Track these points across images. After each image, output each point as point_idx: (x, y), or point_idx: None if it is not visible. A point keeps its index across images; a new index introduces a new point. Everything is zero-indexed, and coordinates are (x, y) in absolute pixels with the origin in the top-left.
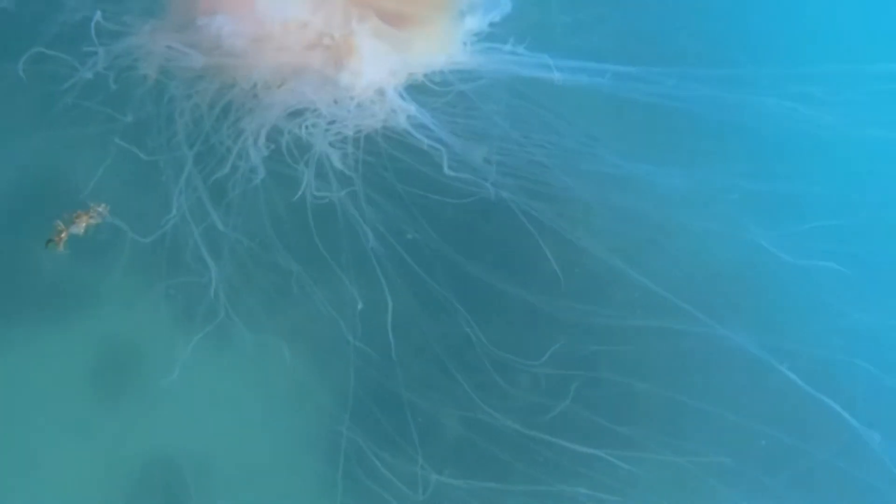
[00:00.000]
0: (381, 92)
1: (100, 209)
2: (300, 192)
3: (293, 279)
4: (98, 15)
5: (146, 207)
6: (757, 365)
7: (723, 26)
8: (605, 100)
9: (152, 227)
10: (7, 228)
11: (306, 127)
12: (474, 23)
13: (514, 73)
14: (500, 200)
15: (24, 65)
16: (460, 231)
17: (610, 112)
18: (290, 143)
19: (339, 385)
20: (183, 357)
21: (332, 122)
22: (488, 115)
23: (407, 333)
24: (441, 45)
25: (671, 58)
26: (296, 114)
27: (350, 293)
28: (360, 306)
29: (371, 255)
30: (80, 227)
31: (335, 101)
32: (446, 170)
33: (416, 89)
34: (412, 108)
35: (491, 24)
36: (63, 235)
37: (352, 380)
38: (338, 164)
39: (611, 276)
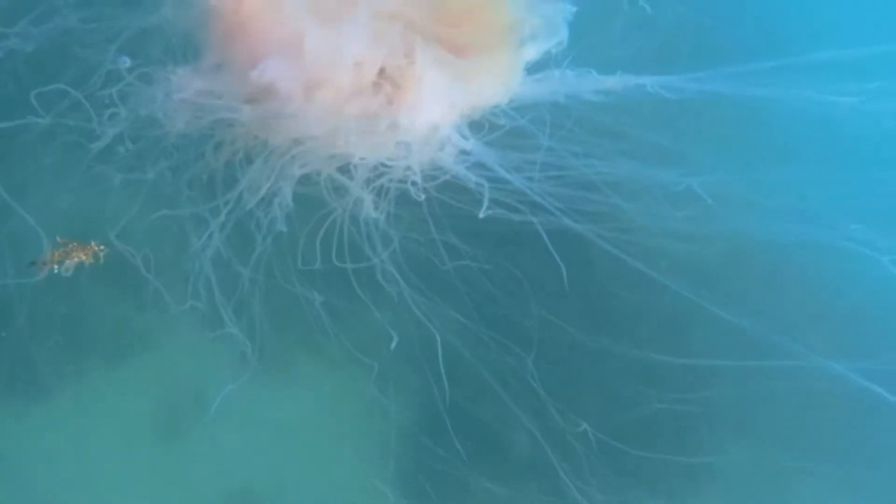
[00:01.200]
0: (437, 127)
1: (98, 249)
2: (369, 214)
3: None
4: (127, 62)
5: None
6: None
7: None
8: (673, 111)
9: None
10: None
11: (357, 165)
12: (532, 52)
13: (571, 96)
14: (563, 231)
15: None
16: (521, 265)
17: (681, 123)
18: (337, 182)
19: (405, 406)
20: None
21: (387, 162)
22: (549, 146)
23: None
24: (500, 76)
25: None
26: (344, 156)
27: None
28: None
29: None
30: (71, 257)
31: (390, 141)
32: (482, 214)
33: (473, 123)
34: (470, 144)
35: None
36: (49, 264)
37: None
38: (391, 204)
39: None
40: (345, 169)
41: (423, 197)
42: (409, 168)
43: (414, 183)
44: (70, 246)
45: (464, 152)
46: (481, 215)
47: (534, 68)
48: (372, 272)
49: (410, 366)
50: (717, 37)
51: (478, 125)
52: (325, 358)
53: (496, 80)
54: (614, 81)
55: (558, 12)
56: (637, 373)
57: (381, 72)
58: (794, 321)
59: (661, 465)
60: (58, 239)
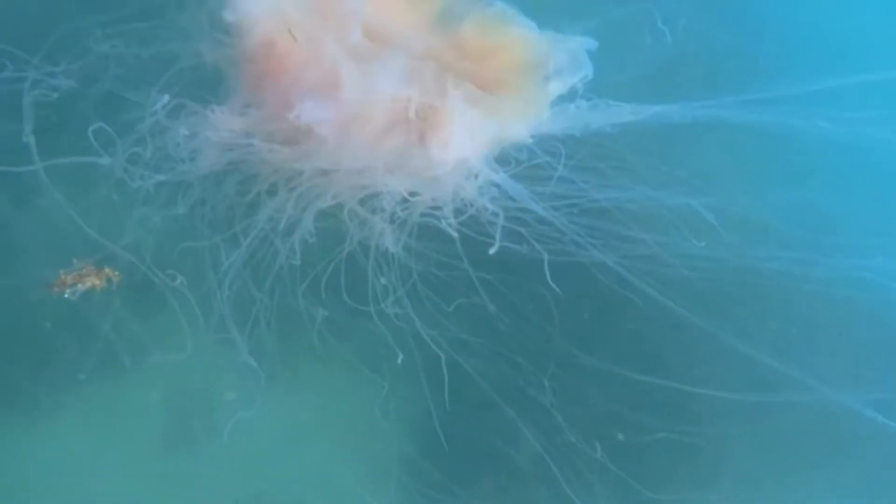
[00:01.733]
0: (466, 161)
1: (112, 275)
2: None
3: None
4: (164, 99)
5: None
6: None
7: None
8: (689, 138)
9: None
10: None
11: (384, 198)
12: (558, 87)
13: (595, 128)
14: (581, 261)
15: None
16: (538, 296)
17: (698, 150)
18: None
19: (413, 415)
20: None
21: (413, 196)
22: (566, 177)
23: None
24: (527, 112)
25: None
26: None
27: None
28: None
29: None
30: (84, 282)
31: (419, 175)
32: (492, 250)
33: (500, 158)
34: (497, 177)
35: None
36: (64, 286)
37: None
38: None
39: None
40: (369, 201)
41: (445, 224)
42: (435, 201)
43: (439, 216)
44: (84, 269)
45: (490, 185)
46: (492, 252)
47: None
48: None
49: (415, 380)
50: (737, 62)
51: (501, 158)
52: (335, 369)
53: (524, 117)
54: (629, 111)
55: (581, 47)
56: (644, 400)
57: (413, 108)
58: (810, 353)
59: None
60: (74, 261)
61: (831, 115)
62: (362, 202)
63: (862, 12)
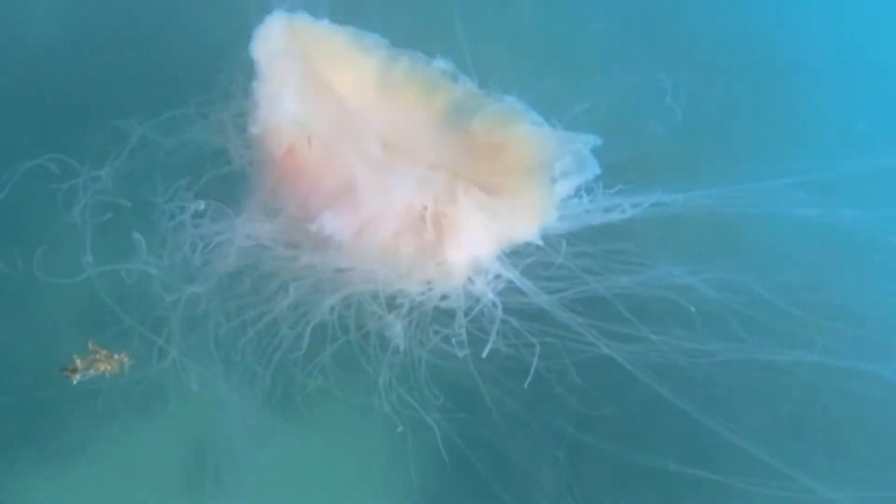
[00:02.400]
0: (476, 261)
1: (124, 360)
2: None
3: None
4: (201, 205)
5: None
6: None
7: None
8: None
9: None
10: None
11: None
12: (565, 188)
13: (596, 224)
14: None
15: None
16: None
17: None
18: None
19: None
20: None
21: (424, 293)
22: (577, 272)
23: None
24: (534, 213)
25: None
26: (389, 294)
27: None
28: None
29: None
30: (96, 367)
31: (430, 274)
32: (484, 353)
33: (509, 257)
34: (511, 276)
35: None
36: (77, 372)
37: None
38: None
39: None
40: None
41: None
42: (445, 297)
43: (449, 313)
44: (99, 354)
45: (499, 280)
46: (484, 355)
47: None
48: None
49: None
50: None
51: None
52: (348, 406)
53: (533, 219)
54: (629, 203)
55: (587, 146)
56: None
57: (427, 215)
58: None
59: None
60: (89, 345)
61: (845, 202)
62: (375, 298)
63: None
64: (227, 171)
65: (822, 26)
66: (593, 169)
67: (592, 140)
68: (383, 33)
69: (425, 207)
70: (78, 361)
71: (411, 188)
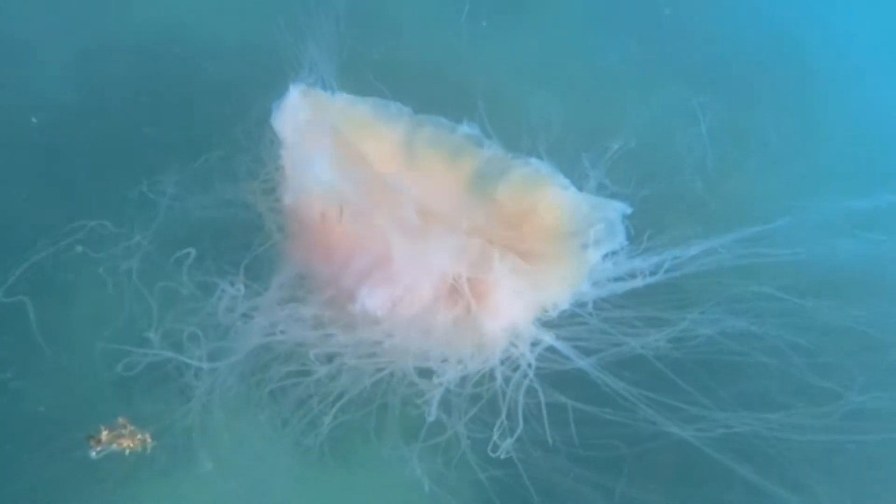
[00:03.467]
0: (512, 331)
1: (147, 440)
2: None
3: None
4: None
5: None
6: None
7: None
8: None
9: None
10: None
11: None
12: (596, 255)
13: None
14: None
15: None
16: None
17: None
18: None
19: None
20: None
21: (461, 363)
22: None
23: None
24: (568, 280)
25: None
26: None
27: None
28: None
29: None
30: (119, 442)
31: (467, 343)
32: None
33: (546, 325)
34: (551, 341)
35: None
36: (101, 443)
37: None
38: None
39: None
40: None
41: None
42: (483, 366)
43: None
44: (126, 430)
45: (537, 345)
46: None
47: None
48: None
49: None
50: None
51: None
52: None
53: (566, 286)
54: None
55: (617, 213)
56: None
57: (463, 283)
58: None
59: None
60: (119, 420)
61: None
62: (411, 372)
63: None
64: (256, 242)
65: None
66: (622, 235)
67: (622, 208)
68: (404, 101)
69: (461, 276)
70: (104, 433)
71: (448, 256)
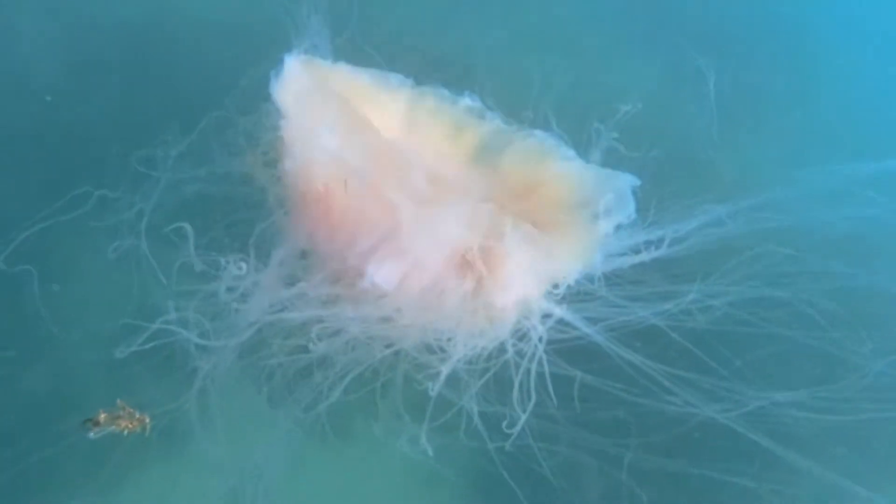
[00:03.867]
0: (524, 300)
1: (145, 421)
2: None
3: None
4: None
5: None
6: None
7: None
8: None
9: None
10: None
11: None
12: (606, 226)
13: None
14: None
15: None
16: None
17: None
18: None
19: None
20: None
21: (473, 338)
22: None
23: None
24: (579, 250)
25: None
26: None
27: None
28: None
29: None
30: (118, 424)
31: (479, 317)
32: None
33: (556, 298)
34: (562, 314)
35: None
36: (99, 425)
37: None
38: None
39: None
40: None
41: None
42: (494, 340)
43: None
44: (124, 411)
45: (548, 318)
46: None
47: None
48: None
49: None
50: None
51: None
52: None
53: (578, 256)
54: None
55: (626, 185)
56: None
57: (475, 252)
58: None
59: None
60: (118, 402)
61: None
62: (422, 346)
63: None
64: (256, 218)
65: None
66: (632, 206)
67: (631, 179)
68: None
69: (472, 245)
70: (102, 416)
71: (459, 224)
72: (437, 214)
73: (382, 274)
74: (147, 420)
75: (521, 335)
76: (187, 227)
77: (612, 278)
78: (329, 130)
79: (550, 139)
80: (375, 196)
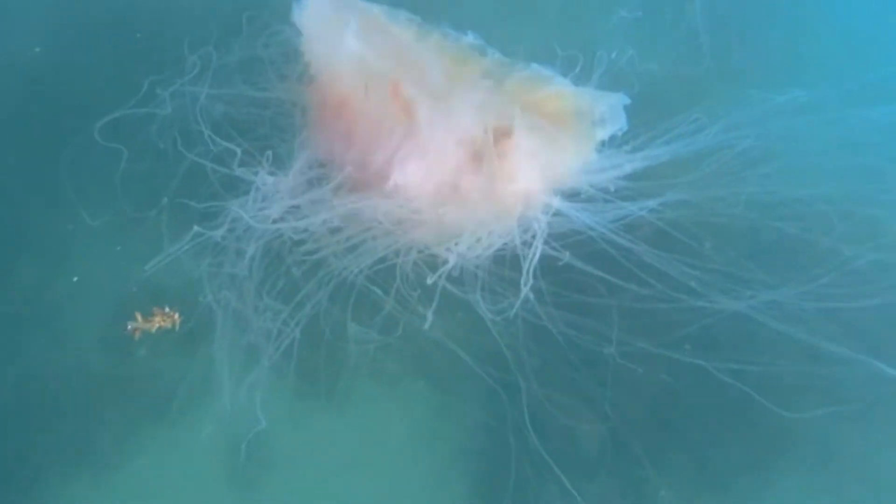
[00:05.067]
0: (533, 195)
1: (174, 316)
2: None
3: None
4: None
5: None
6: None
7: None
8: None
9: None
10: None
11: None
12: (603, 133)
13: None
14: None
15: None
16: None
17: None
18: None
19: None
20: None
21: (485, 233)
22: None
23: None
24: (582, 145)
25: None
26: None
27: None
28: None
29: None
30: (151, 321)
31: (490, 212)
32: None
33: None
34: (562, 205)
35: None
36: (138, 328)
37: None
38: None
39: None
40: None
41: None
42: (502, 234)
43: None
44: (157, 313)
45: (553, 214)
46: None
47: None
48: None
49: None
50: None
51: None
52: (386, 386)
53: (579, 151)
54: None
55: (619, 101)
56: None
57: (489, 135)
58: None
59: None
60: (153, 309)
61: None
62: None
63: None
64: (278, 122)
65: None
66: (624, 121)
67: (622, 97)
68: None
69: (485, 134)
70: (139, 317)
71: (474, 112)
72: (453, 105)
73: (405, 173)
74: (177, 317)
75: (525, 228)
76: (211, 138)
77: (608, 186)
78: (352, 33)
79: (548, 70)
80: (395, 96)
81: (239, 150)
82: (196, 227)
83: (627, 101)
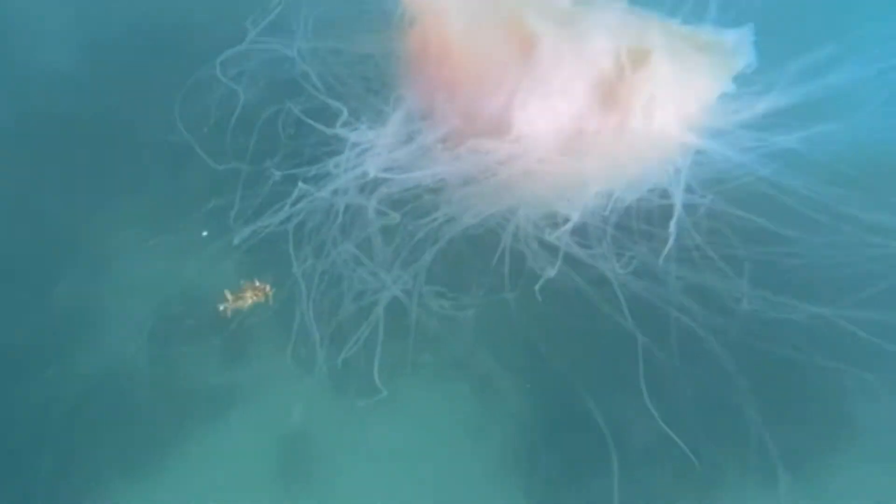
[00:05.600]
0: (668, 135)
1: (266, 290)
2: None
3: None
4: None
5: None
6: None
7: None
8: None
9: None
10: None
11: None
12: (738, 64)
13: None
14: None
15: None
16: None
17: None
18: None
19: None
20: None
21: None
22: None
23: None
24: (721, 69)
25: None
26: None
27: None
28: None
29: None
30: (244, 297)
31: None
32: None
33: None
34: (705, 144)
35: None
36: (229, 304)
37: None
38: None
39: None
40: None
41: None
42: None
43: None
44: (247, 287)
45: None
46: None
47: None
48: None
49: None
50: None
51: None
52: (428, 380)
53: (718, 77)
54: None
55: (744, 36)
56: None
57: (624, 59)
58: None
59: None
60: (241, 283)
61: None
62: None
63: None
64: (375, 76)
65: None
66: (752, 55)
67: (748, 32)
68: None
69: (621, 53)
70: (229, 295)
71: (605, 35)
72: (582, 30)
73: (528, 117)
74: (269, 290)
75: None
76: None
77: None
78: None
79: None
80: (513, 30)
81: (344, 109)
82: (301, 184)
83: (752, 36)
